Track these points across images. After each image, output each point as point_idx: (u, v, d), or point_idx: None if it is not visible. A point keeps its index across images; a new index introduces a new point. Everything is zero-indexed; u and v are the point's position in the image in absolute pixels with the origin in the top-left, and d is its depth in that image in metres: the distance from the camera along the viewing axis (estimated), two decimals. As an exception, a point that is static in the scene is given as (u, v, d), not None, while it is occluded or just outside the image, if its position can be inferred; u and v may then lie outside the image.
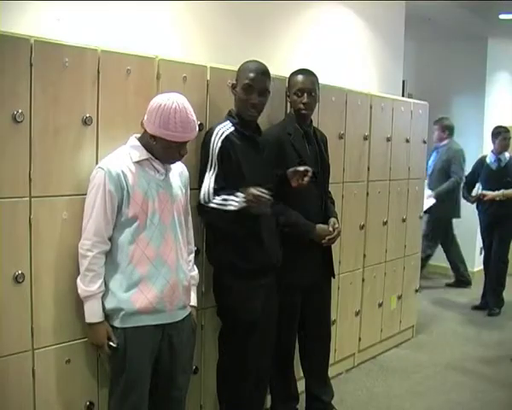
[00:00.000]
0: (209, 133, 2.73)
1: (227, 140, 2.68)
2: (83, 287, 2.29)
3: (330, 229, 3.13)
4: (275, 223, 2.91)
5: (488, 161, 5.72)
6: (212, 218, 2.69)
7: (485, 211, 5.69)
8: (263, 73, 2.75)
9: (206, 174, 2.66)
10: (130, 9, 3.09)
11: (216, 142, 2.67)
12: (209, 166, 2.66)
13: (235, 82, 2.79)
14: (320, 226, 3.12)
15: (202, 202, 2.65)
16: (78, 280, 2.31)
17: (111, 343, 2.31)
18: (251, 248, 2.75)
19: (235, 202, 2.59)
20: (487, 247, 5.82)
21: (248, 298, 2.76)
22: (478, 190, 5.83)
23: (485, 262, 5.88)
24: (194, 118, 2.34)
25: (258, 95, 2.73)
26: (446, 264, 6.87)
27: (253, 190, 2.54)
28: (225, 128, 2.72)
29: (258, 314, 2.77)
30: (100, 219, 2.27)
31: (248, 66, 2.76)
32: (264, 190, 2.56)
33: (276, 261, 2.89)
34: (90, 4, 2.87)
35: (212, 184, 2.64)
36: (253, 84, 2.71)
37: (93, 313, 2.30)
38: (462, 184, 6.03)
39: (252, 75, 2.71)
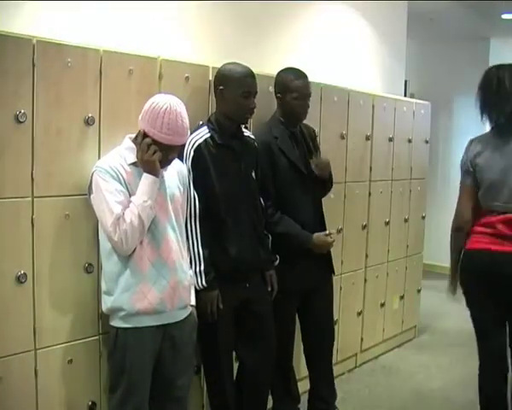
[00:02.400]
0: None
1: (199, 149, 2.65)
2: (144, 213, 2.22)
3: (329, 239, 3.11)
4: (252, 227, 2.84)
5: None
6: None
7: None
8: (253, 76, 2.75)
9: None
10: (133, 9, 3.09)
11: (188, 151, 2.64)
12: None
13: (221, 87, 2.72)
14: (317, 236, 3.09)
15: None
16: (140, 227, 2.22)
17: None
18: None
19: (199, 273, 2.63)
20: None
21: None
22: None
23: None
24: (186, 124, 2.29)
25: (254, 98, 2.73)
26: (444, 263, 6.81)
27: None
28: (199, 136, 2.67)
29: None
30: (113, 196, 2.23)
31: (240, 71, 2.73)
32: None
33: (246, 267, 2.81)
34: (92, 4, 2.87)
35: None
36: (251, 89, 2.71)
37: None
38: None
39: (248, 81, 2.71)
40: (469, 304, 2.95)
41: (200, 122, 2.75)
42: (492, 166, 2.79)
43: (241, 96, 2.70)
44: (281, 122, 3.08)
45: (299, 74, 3.07)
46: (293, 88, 3.04)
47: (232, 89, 2.70)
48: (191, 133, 2.56)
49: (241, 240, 2.74)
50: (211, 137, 2.69)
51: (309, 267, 3.12)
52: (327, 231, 3.13)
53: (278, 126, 3.07)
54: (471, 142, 2.95)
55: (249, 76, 2.72)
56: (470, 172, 2.86)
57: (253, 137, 2.94)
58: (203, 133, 2.70)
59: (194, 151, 2.65)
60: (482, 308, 2.89)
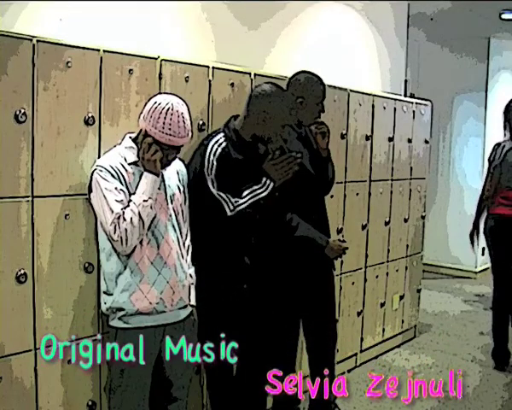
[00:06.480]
0: (203, 149, 2.64)
1: (221, 158, 2.59)
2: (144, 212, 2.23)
3: (343, 245, 3.12)
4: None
5: None
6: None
7: None
8: None
9: (212, 191, 2.60)
10: (132, 9, 3.09)
11: (211, 161, 2.59)
12: (210, 185, 2.59)
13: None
14: (332, 240, 3.11)
15: (230, 214, 2.59)
16: (140, 227, 2.22)
17: None
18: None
19: (260, 189, 2.62)
20: None
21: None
22: None
23: None
24: (188, 125, 2.28)
25: None
26: (444, 263, 6.84)
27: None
28: (217, 144, 2.62)
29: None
30: (113, 195, 2.23)
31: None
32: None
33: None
34: (92, 4, 2.87)
35: (225, 195, 2.59)
36: None
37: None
38: None
39: None
40: None
41: (201, 121, 2.71)
42: None
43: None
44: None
45: (321, 80, 3.05)
46: (317, 93, 3.03)
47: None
48: None
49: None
50: (229, 143, 2.68)
51: (311, 268, 3.13)
52: (342, 238, 3.14)
53: (286, 129, 2.99)
54: None
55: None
56: None
57: None
58: (221, 140, 2.66)
59: (217, 161, 2.61)
60: None
